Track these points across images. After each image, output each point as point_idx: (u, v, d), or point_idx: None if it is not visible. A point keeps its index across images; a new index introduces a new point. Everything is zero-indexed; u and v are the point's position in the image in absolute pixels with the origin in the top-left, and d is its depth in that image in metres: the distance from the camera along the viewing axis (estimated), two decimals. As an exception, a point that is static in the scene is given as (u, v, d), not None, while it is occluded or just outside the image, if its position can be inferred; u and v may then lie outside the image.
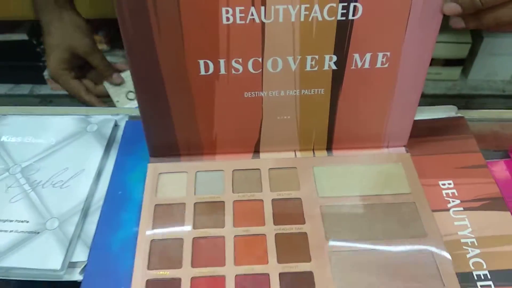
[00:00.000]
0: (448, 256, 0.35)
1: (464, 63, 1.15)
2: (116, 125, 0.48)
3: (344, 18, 0.34)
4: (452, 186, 0.41)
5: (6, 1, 1.07)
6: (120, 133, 0.47)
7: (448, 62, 1.14)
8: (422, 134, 0.45)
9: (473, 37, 1.15)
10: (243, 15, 0.33)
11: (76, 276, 0.36)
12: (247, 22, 0.34)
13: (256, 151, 0.43)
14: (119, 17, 0.33)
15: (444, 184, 0.41)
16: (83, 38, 0.63)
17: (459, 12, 0.34)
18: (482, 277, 0.34)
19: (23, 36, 1.16)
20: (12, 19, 1.15)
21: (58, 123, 0.47)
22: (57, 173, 0.42)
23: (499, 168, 0.43)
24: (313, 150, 0.43)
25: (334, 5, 0.33)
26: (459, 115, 0.48)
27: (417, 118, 0.43)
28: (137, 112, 0.44)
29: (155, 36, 0.34)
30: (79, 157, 0.44)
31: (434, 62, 1.13)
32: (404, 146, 0.43)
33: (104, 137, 0.46)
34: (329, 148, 0.43)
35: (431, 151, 0.44)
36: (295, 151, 0.43)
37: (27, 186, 0.41)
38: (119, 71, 0.65)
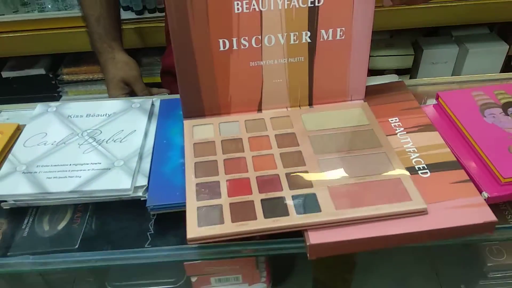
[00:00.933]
0: (395, 155, 0.49)
1: (410, 71, 1.34)
2: (152, 104, 0.61)
3: (312, 5, 0.50)
4: (397, 120, 0.56)
5: (25, 39, 1.20)
6: (156, 109, 0.61)
7: (398, 71, 1.32)
8: (374, 93, 0.60)
9: (415, 50, 1.35)
10: (247, 5, 0.49)
11: (140, 194, 0.49)
12: (251, 10, 0.49)
13: (259, 110, 0.57)
14: (167, 9, 0.48)
15: (391, 120, 0.56)
16: (130, 71, 0.79)
17: (389, 4, 0.50)
18: (421, 168, 0.49)
19: (41, 71, 1.29)
20: (32, 55, 1.28)
21: (109, 104, 0.61)
22: (115, 133, 0.56)
23: (429, 109, 0.58)
24: (299, 106, 0.58)
25: None
26: (400, 80, 0.64)
27: (370, 83, 0.59)
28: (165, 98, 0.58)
29: (190, 22, 0.49)
30: (130, 123, 0.57)
31: (386, 72, 1.32)
32: (362, 99, 0.58)
33: (146, 110, 0.59)
34: (310, 104, 0.58)
35: (382, 102, 0.59)
36: (287, 107, 0.57)
37: (94, 143, 0.54)
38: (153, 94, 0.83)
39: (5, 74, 1.31)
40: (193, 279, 0.53)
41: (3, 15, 1.19)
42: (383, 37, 1.43)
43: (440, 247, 0.62)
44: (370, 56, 1.32)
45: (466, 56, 1.32)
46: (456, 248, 0.60)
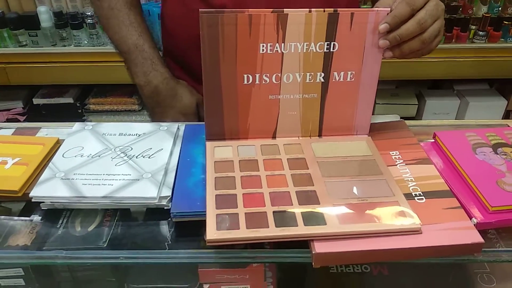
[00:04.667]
0: (394, 182, 0.54)
1: (414, 120, 1.41)
2: (178, 128, 0.68)
3: (328, 50, 0.57)
4: (398, 154, 0.61)
5: (59, 69, 1.30)
6: (181, 132, 0.67)
7: (402, 119, 1.38)
8: (378, 129, 0.66)
9: (419, 101, 1.43)
10: (271, 48, 0.56)
11: (164, 203, 0.54)
12: (274, 52, 0.56)
13: (274, 137, 0.63)
14: (202, 47, 0.55)
15: (392, 153, 0.61)
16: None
17: (387, 45, 0.57)
18: (418, 195, 0.54)
19: (70, 100, 1.38)
20: (61, 84, 1.38)
21: (139, 126, 0.67)
22: (144, 150, 0.62)
23: (427, 145, 0.64)
24: (310, 136, 0.64)
25: (322, 43, 0.56)
26: (401, 119, 0.70)
27: (375, 121, 0.65)
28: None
29: (220, 58, 0.56)
30: (157, 143, 0.63)
31: (391, 119, 1.38)
32: (366, 134, 0.64)
33: (172, 133, 0.66)
34: (320, 135, 0.64)
35: (384, 137, 0.65)
36: (298, 137, 0.63)
37: (126, 157, 0.60)
38: None
39: (36, 101, 1.41)
40: (205, 286, 0.56)
41: (42, 47, 1.30)
42: (390, 87, 1.52)
43: (431, 275, 0.65)
44: (376, 103, 1.40)
45: (466, 109, 1.40)
46: (447, 275, 0.63)
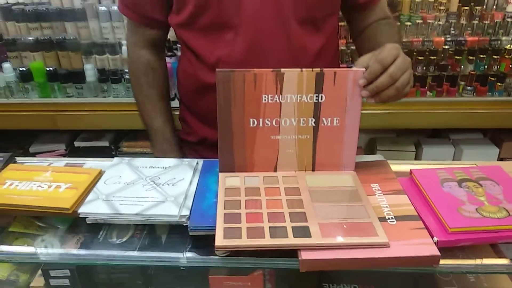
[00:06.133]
0: (371, 208, 0.64)
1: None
2: (197, 163, 0.80)
3: (317, 101, 0.70)
4: (378, 186, 0.72)
5: (98, 117, 1.46)
6: (199, 166, 0.79)
7: (401, 164, 1.47)
8: (364, 166, 0.77)
9: (417, 148, 1.52)
10: (272, 98, 0.69)
11: (183, 220, 0.65)
12: (274, 101, 0.69)
13: (275, 170, 0.75)
14: (218, 97, 0.68)
15: (373, 185, 0.72)
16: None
17: (368, 95, 0.69)
18: (390, 218, 0.64)
19: (106, 143, 1.53)
20: (98, 129, 1.54)
21: (166, 160, 0.80)
22: (169, 179, 0.74)
23: (404, 180, 0.74)
24: (305, 170, 0.75)
25: (312, 94, 0.69)
26: (383, 159, 0.81)
27: (363, 160, 0.76)
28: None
29: (232, 107, 0.69)
30: (180, 174, 0.76)
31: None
32: (353, 169, 0.75)
33: (192, 166, 0.78)
34: (313, 170, 0.75)
35: (368, 172, 0.75)
36: (295, 170, 0.75)
37: (154, 185, 0.73)
38: None
39: (77, 143, 1.57)
40: (215, 292, 0.66)
41: (86, 97, 1.48)
42: (390, 135, 1.62)
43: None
44: (377, 150, 1.50)
45: (461, 156, 1.48)
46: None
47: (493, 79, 1.40)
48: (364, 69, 0.69)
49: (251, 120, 0.70)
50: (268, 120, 0.71)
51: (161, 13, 0.93)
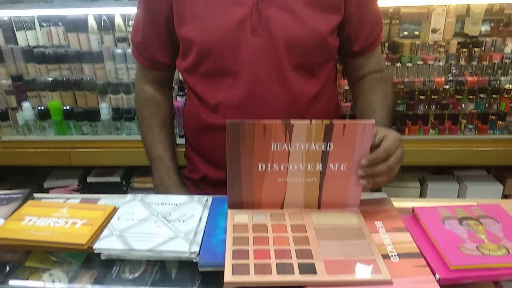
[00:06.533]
0: (375, 245, 0.66)
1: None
2: (206, 200, 0.83)
3: (325, 149, 0.72)
4: (381, 223, 0.74)
5: (111, 153, 1.51)
6: (209, 203, 0.82)
7: (406, 200, 1.48)
8: (368, 203, 0.79)
9: (421, 185, 1.54)
10: (281, 146, 0.72)
11: (193, 256, 0.68)
12: (282, 149, 0.72)
13: (281, 208, 0.77)
14: (227, 145, 0.71)
15: (377, 223, 0.74)
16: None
17: (364, 183, 0.73)
18: (393, 255, 0.65)
19: (117, 179, 1.57)
20: (110, 166, 1.58)
21: (177, 197, 0.83)
22: (180, 216, 0.77)
23: (407, 217, 0.76)
24: (310, 208, 0.77)
25: (321, 143, 0.72)
26: (386, 196, 0.83)
27: (367, 197, 0.78)
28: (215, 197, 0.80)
29: (241, 155, 0.72)
30: (190, 210, 0.78)
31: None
32: (357, 208, 0.78)
33: (202, 203, 0.81)
34: (319, 207, 0.77)
35: (372, 210, 0.77)
36: (301, 207, 0.77)
37: (165, 221, 0.75)
38: None
39: (90, 179, 1.61)
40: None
41: (100, 135, 1.53)
42: (395, 172, 1.64)
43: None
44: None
45: (465, 193, 1.49)
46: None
47: (493, 117, 1.43)
48: (373, 121, 0.70)
49: (260, 164, 0.72)
50: (276, 165, 0.73)
51: (167, 57, 1.00)
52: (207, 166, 1.03)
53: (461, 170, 1.60)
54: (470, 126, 1.44)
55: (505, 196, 1.52)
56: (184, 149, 1.14)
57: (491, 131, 1.45)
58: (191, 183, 1.09)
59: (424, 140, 1.47)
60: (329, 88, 0.99)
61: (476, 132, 1.45)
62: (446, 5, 1.51)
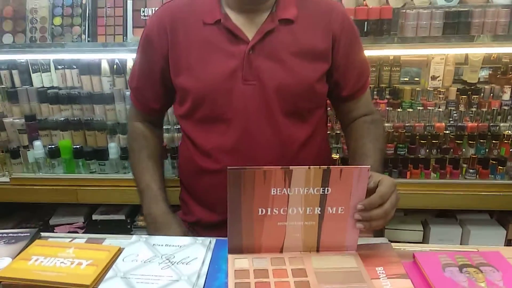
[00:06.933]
0: (375, 290, 0.67)
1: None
2: (210, 242, 0.84)
3: (323, 192, 0.75)
4: (382, 269, 0.74)
5: (114, 192, 1.53)
6: (212, 245, 0.83)
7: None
8: (370, 249, 0.80)
9: (424, 228, 1.53)
10: (280, 190, 0.74)
11: (196, 300, 0.68)
12: (282, 193, 0.74)
13: (281, 252, 0.78)
14: (228, 190, 0.73)
15: (378, 269, 0.74)
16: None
17: (360, 227, 0.75)
18: (393, 302, 0.66)
19: (122, 217, 1.58)
20: (115, 204, 1.59)
21: (181, 239, 0.84)
22: (183, 258, 0.78)
23: (408, 263, 0.77)
24: (310, 251, 0.78)
25: (319, 188, 0.74)
26: (387, 242, 0.84)
27: (369, 242, 0.79)
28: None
29: (242, 200, 0.74)
30: (194, 252, 0.80)
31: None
32: (355, 250, 0.78)
33: (205, 245, 0.82)
34: (317, 251, 0.78)
35: (373, 256, 0.78)
36: (300, 251, 0.78)
37: (169, 263, 0.76)
38: None
39: (95, 217, 1.62)
40: None
41: (107, 173, 1.56)
42: (398, 214, 1.64)
43: None
44: (385, 228, 1.51)
45: (468, 237, 1.48)
46: None
47: (494, 162, 1.45)
48: (369, 166, 0.73)
49: (260, 209, 0.74)
50: (276, 209, 0.74)
51: (159, 104, 1.07)
52: (201, 209, 1.05)
53: (464, 213, 1.60)
54: (471, 170, 1.45)
55: (508, 241, 1.51)
56: (178, 190, 1.15)
57: (492, 176, 1.46)
58: (186, 225, 1.10)
59: (426, 183, 1.48)
60: (320, 132, 1.03)
61: (478, 176, 1.46)
62: (444, 54, 1.56)
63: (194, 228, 1.08)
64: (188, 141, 1.03)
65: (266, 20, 0.92)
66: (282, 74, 0.92)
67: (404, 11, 1.40)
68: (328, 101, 1.07)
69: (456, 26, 1.39)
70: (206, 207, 1.04)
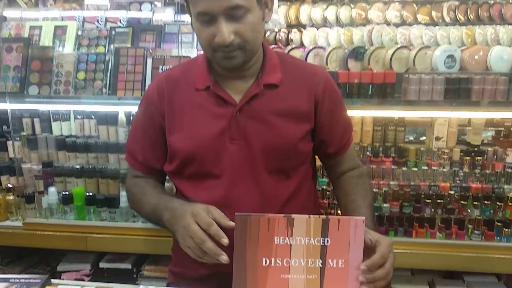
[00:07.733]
0: None
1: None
2: (214, 298, 0.86)
3: (323, 244, 0.78)
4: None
5: (123, 240, 1.54)
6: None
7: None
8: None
9: (430, 287, 1.51)
10: (283, 240, 0.77)
11: None
12: (284, 243, 0.77)
13: (285, 306, 0.79)
14: (235, 237, 0.77)
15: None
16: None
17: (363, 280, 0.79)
18: None
19: (128, 266, 1.59)
20: (122, 253, 1.60)
21: (187, 294, 0.86)
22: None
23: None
24: (313, 310, 0.79)
25: (319, 238, 0.77)
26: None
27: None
28: None
29: (247, 246, 0.77)
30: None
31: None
32: (357, 308, 0.80)
33: None
34: (321, 305, 0.80)
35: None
36: (304, 308, 0.79)
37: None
38: None
39: (102, 264, 1.63)
40: None
41: (117, 221, 1.59)
42: (404, 273, 1.62)
43: None
44: (390, 287, 1.50)
45: (477, 300, 1.45)
46: None
47: (499, 224, 1.45)
48: (364, 218, 0.79)
49: (264, 259, 0.78)
50: (279, 260, 0.78)
51: (159, 164, 1.09)
52: (191, 261, 1.05)
53: (471, 275, 1.58)
54: (477, 231, 1.46)
55: (517, 306, 1.47)
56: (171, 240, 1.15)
57: (498, 238, 1.46)
58: (173, 277, 1.12)
59: (431, 243, 1.48)
60: (305, 187, 1.08)
61: (483, 238, 1.46)
62: (447, 117, 1.62)
63: (180, 282, 1.09)
64: (179, 194, 1.09)
65: (252, 85, 1.01)
66: (266, 134, 0.99)
67: (407, 76, 1.48)
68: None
69: (457, 91, 1.45)
70: (194, 261, 1.04)
